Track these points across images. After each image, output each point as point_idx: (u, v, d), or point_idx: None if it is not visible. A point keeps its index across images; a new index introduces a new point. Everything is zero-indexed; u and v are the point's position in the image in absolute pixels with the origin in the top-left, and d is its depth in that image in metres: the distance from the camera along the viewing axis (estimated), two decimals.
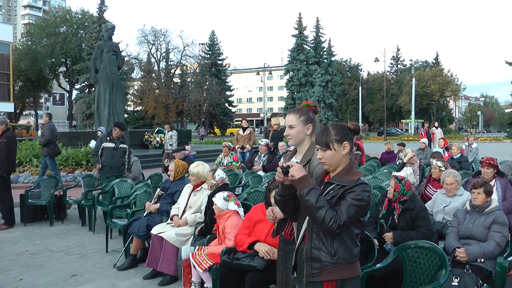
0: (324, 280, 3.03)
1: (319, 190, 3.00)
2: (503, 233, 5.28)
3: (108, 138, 10.60)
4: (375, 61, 58.67)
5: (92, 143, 15.44)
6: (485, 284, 5.07)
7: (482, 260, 5.12)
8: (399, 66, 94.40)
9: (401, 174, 9.85)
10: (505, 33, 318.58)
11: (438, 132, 22.15)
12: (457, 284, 4.72)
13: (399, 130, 78.87)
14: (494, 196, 5.88)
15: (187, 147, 14.07)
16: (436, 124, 23.81)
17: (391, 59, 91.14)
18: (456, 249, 5.20)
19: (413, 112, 66.24)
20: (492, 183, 7.12)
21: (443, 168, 7.77)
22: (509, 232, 6.43)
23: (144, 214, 7.41)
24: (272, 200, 4.85)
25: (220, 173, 6.69)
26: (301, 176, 3.00)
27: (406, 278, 4.75)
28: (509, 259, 5.14)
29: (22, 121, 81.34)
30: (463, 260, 5.10)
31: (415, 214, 5.54)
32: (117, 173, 10.37)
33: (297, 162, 3.49)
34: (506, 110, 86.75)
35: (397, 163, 12.77)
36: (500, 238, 5.23)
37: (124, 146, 10.64)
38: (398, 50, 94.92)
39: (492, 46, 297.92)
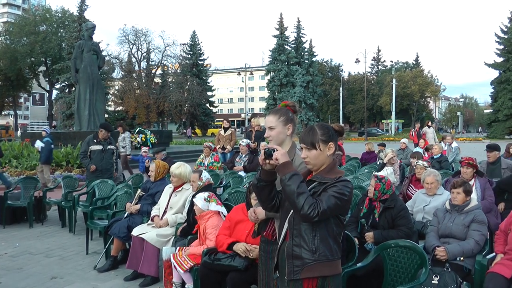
0: (305, 277, 3.04)
1: (301, 177, 3.02)
2: (482, 231, 5.35)
3: (94, 141, 10.43)
4: (356, 62, 58.81)
5: (38, 144, 14.89)
6: (464, 282, 5.13)
7: (462, 258, 5.17)
8: (379, 67, 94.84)
9: (381, 173, 9.96)
10: (484, 35, 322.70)
11: (430, 132, 20.96)
12: (437, 282, 4.76)
13: (380, 131, 79.30)
14: (474, 195, 5.94)
15: (143, 148, 13.77)
16: (429, 123, 22.04)
17: (372, 60, 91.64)
18: (436, 248, 5.25)
19: (393, 113, 66.69)
20: (471, 182, 7.21)
21: (428, 167, 7.84)
22: (488, 230, 6.54)
23: (125, 215, 7.38)
24: (253, 202, 4.87)
25: (206, 174, 6.68)
26: (285, 161, 3.03)
27: (387, 277, 4.78)
28: (488, 257, 5.20)
29: (0, 122, 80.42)
30: (443, 258, 5.14)
31: (395, 213, 5.58)
32: (108, 176, 10.20)
33: None
34: (485, 111, 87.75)
35: (378, 163, 12.85)
36: (479, 236, 5.29)
37: (112, 147, 10.55)
38: (379, 51, 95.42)
39: (472, 48, 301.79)
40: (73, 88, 46.93)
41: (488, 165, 9.48)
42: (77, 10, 59.68)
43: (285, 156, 3.05)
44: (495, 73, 63.44)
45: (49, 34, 64.19)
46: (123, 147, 15.94)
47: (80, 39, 36.26)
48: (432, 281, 4.76)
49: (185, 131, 71.22)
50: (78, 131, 23.69)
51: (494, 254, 5.24)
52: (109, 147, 10.42)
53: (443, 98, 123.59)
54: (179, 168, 6.91)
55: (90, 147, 10.38)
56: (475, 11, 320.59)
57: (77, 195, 9.69)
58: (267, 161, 3.10)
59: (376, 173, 6.24)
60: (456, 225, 5.46)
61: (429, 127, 21.40)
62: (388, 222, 5.59)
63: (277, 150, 3.07)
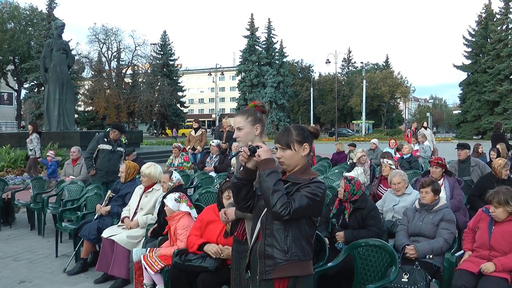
0: (276, 277, 3.06)
1: (279, 175, 3.05)
2: (450, 230, 5.44)
3: (105, 140, 9.93)
4: (326, 62, 59.10)
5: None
6: (433, 280, 5.20)
7: (431, 256, 5.24)
8: (350, 68, 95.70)
9: (351, 174, 10.02)
10: (453, 38, 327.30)
11: (428, 134, 18.97)
12: (406, 280, 4.82)
13: (350, 131, 79.89)
14: (442, 194, 6.01)
15: (49, 152, 12.96)
16: (424, 124, 20.43)
17: (343, 61, 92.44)
18: (406, 246, 5.32)
19: (364, 113, 67.32)
20: (440, 182, 7.33)
21: (393, 166, 7.91)
22: (457, 228, 6.63)
23: (95, 217, 7.31)
24: (225, 201, 4.86)
25: (177, 175, 6.66)
26: (267, 158, 3.06)
27: (357, 276, 4.83)
28: (456, 254, 5.28)
29: None
30: (412, 257, 5.22)
31: (365, 213, 5.63)
32: (114, 178, 9.58)
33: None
34: (454, 112, 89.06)
35: (348, 163, 12.94)
36: (447, 235, 5.39)
37: (121, 149, 10.19)
38: (350, 52, 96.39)
39: (441, 50, 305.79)
40: (42, 88, 46.31)
41: (459, 163, 9.65)
42: (46, 8, 59.08)
43: (268, 153, 3.09)
44: (463, 75, 64.82)
45: (17, 32, 63.03)
46: (30, 150, 15.17)
47: (49, 37, 35.77)
48: (402, 279, 4.82)
49: (155, 131, 70.91)
50: (48, 132, 23.36)
51: (462, 251, 5.34)
52: (118, 148, 10.04)
53: (413, 99, 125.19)
54: (149, 168, 6.88)
55: (99, 146, 9.90)
56: (444, 14, 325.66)
57: (46, 197, 9.51)
58: (250, 157, 3.12)
59: (346, 174, 6.27)
60: (426, 224, 5.53)
61: (425, 128, 19.90)
62: (358, 222, 5.63)
63: (261, 147, 3.09)
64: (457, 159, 9.85)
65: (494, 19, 60.09)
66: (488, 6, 61.88)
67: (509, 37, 57.39)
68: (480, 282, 4.68)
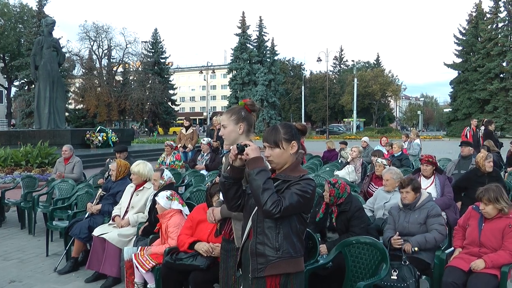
0: (268, 275, 3.07)
1: (269, 173, 3.06)
2: (440, 222, 5.50)
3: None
4: (317, 60, 59.22)
5: None
6: (424, 276, 5.23)
7: (416, 249, 5.23)
8: (341, 66, 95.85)
9: (342, 172, 10.06)
10: (444, 37, 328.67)
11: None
12: (396, 278, 4.83)
13: (341, 129, 80.00)
14: (433, 191, 5.99)
15: None
16: (485, 122, 16.98)
17: (334, 59, 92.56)
18: (391, 238, 5.33)
19: (355, 111, 67.37)
20: (431, 179, 7.40)
21: (387, 165, 7.93)
22: (447, 226, 6.67)
23: (86, 216, 7.29)
24: (215, 205, 4.89)
25: (168, 173, 6.65)
26: (256, 156, 3.07)
27: (348, 274, 4.85)
28: (446, 251, 5.31)
29: None
30: (399, 246, 5.23)
31: (350, 215, 5.63)
32: None
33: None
34: (445, 110, 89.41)
35: (339, 161, 12.96)
36: (439, 227, 5.43)
37: None
38: (342, 50, 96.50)
39: (432, 49, 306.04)
40: (33, 86, 46.01)
41: (460, 159, 9.92)
42: (36, 5, 58.47)
43: (256, 151, 3.09)
44: (454, 73, 65.06)
45: (7, 29, 62.64)
46: None
47: (39, 35, 35.65)
48: (392, 277, 4.84)
49: (146, 129, 70.75)
50: (38, 130, 23.32)
51: (452, 248, 5.38)
52: None
53: (403, 97, 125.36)
54: (138, 166, 6.87)
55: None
56: (435, 13, 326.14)
57: (37, 196, 9.47)
58: (239, 156, 3.12)
59: (329, 179, 6.22)
60: (412, 224, 5.53)
61: (485, 128, 16.64)
62: (345, 224, 5.62)
63: (249, 146, 3.10)
64: (458, 156, 10.19)
65: (485, 18, 60.34)
66: (478, 5, 62.18)
67: (499, 36, 57.69)
68: (470, 279, 4.73)
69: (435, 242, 5.31)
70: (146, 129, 72.33)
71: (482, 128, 16.45)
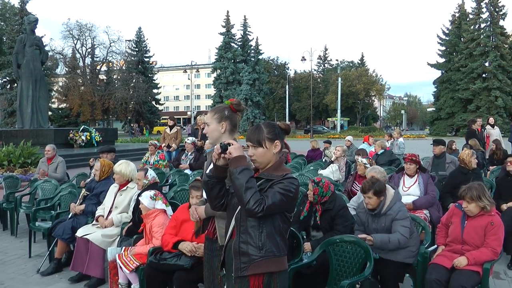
0: (251, 274, 3.07)
1: (252, 172, 3.07)
2: (404, 224, 5.27)
3: None
4: (302, 60, 59.39)
5: None
6: (407, 274, 5.25)
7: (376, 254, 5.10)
8: (325, 65, 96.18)
9: (325, 171, 10.08)
10: (428, 37, 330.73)
11: (495, 134, 15.91)
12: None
13: (326, 128, 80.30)
14: (391, 191, 5.75)
15: None
16: (491, 120, 16.75)
17: (318, 58, 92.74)
18: (359, 236, 5.17)
19: (339, 111, 67.75)
20: (414, 178, 7.44)
21: (368, 165, 7.95)
22: (430, 223, 6.71)
23: (69, 216, 7.22)
24: (191, 200, 4.91)
25: (152, 173, 6.62)
26: (239, 155, 3.07)
27: (332, 272, 4.86)
28: (430, 249, 5.34)
29: None
30: (368, 240, 5.04)
31: (334, 214, 5.62)
32: None
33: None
34: (428, 109, 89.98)
35: (323, 160, 12.99)
36: (402, 229, 5.22)
37: None
38: (326, 49, 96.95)
39: (416, 49, 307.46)
40: (15, 84, 45.73)
41: (434, 158, 9.88)
42: (19, 3, 58.00)
43: (239, 150, 3.09)
44: (437, 73, 65.72)
45: None
46: None
47: (22, 33, 35.38)
48: None
49: (131, 129, 70.42)
50: (21, 129, 23.15)
51: (436, 246, 5.42)
52: None
53: (387, 97, 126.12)
54: (120, 165, 6.84)
55: None
56: (419, 14, 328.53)
57: (19, 196, 9.37)
58: (222, 155, 3.12)
59: (313, 178, 6.20)
60: (381, 232, 5.36)
61: (492, 126, 16.45)
62: (329, 223, 5.61)
63: (232, 145, 3.10)
64: (432, 155, 10.05)
65: (467, 19, 61.09)
66: (461, 6, 62.88)
67: (482, 36, 58.36)
68: (453, 276, 4.78)
69: (398, 244, 5.13)
70: (132, 130, 72.06)
71: (488, 127, 16.17)
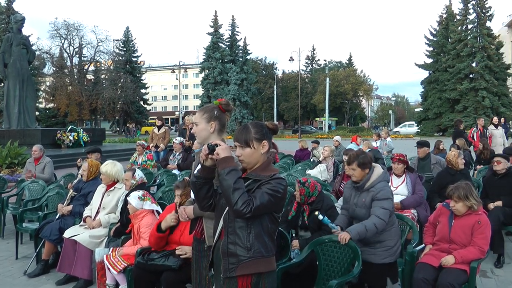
0: (240, 274, 3.07)
1: (239, 173, 3.06)
2: (383, 205, 5.13)
3: None
4: (290, 60, 59.52)
5: None
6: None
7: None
8: (313, 65, 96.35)
9: (313, 171, 10.09)
10: (415, 37, 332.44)
11: (498, 134, 15.59)
12: None
13: (314, 128, 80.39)
14: (380, 168, 5.68)
15: None
16: (495, 119, 16.21)
17: (306, 58, 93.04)
18: (332, 231, 5.03)
19: (327, 111, 67.86)
20: (402, 177, 7.46)
21: None
22: (418, 223, 6.73)
23: (57, 217, 7.17)
24: (176, 199, 4.91)
25: (140, 173, 6.59)
26: (226, 156, 3.07)
27: (321, 272, 4.86)
28: (417, 248, 5.35)
29: None
30: (341, 239, 4.84)
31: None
32: None
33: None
34: (416, 109, 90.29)
35: (312, 160, 13.02)
36: (380, 210, 5.10)
37: None
38: (314, 50, 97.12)
39: (403, 49, 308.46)
40: (2, 84, 45.31)
41: (419, 160, 9.90)
42: (5, 1, 57.45)
43: (227, 151, 3.09)
44: (425, 73, 65.87)
45: None
46: None
47: (8, 32, 35.08)
48: None
49: (118, 128, 70.18)
50: (7, 129, 22.95)
51: (423, 245, 5.43)
52: None
53: (375, 97, 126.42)
54: (106, 166, 6.81)
55: None
56: (406, 14, 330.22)
57: (6, 197, 9.31)
58: (209, 156, 3.12)
59: (299, 178, 6.19)
60: (360, 208, 5.30)
61: (496, 126, 15.89)
62: (317, 223, 5.59)
63: (219, 145, 3.09)
64: (417, 156, 10.09)
65: (455, 20, 61.32)
66: (449, 7, 63.14)
67: (469, 37, 58.55)
68: (440, 275, 4.81)
69: (376, 229, 4.99)
70: (118, 129, 71.71)
71: (491, 127, 15.74)
